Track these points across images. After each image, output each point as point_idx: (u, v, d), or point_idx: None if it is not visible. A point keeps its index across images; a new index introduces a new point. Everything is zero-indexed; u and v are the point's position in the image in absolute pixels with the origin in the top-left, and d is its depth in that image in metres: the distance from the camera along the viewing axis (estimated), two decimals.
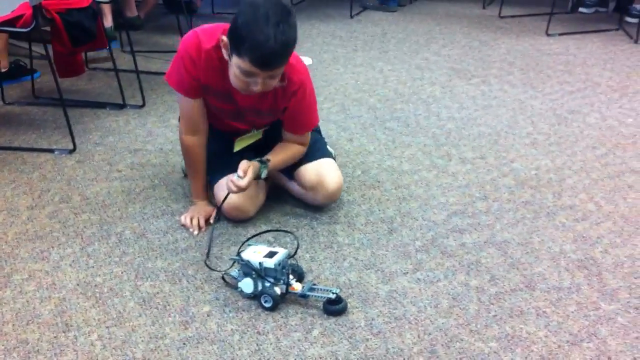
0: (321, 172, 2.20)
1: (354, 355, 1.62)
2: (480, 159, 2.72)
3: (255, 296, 1.79)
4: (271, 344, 1.66)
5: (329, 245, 2.09)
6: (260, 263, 1.78)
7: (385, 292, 1.86)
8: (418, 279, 1.93)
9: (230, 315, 1.76)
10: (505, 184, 2.52)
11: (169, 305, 1.79)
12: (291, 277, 1.81)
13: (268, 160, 2.08)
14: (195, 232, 2.10)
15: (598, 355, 1.65)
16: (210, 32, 1.99)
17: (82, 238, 2.12)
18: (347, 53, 4.15)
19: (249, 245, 1.89)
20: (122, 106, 3.21)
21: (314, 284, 1.81)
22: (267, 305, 1.77)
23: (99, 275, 1.93)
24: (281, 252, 1.81)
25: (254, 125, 2.19)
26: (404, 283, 1.90)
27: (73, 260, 2.00)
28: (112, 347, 1.65)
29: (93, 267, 1.97)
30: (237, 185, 1.98)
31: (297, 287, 1.79)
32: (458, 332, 1.71)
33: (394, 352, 1.64)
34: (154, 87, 3.48)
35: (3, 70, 3.42)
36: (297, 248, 2.01)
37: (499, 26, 4.83)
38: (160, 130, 2.94)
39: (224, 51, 1.92)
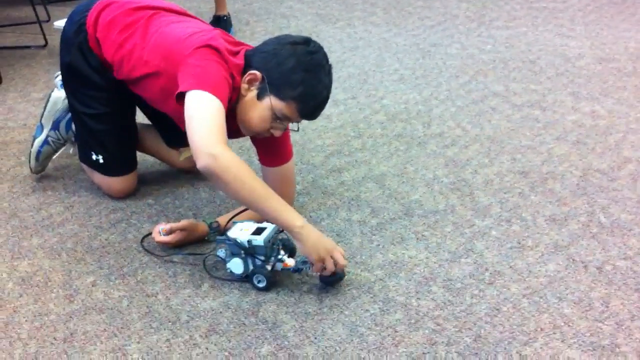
0: None
1: (246, 302, 1.64)
2: (352, 99, 2.77)
3: (246, 277, 1.69)
4: (161, 304, 1.64)
5: (211, 200, 2.08)
6: (249, 241, 1.65)
7: None
8: None
9: (117, 282, 1.72)
10: (378, 120, 2.58)
11: (50, 281, 1.74)
12: (282, 252, 1.71)
13: (219, 227, 1.83)
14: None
15: (476, 268, 1.75)
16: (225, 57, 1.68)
17: None
18: (211, 9, 4.07)
19: (235, 222, 1.75)
20: None
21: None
22: (260, 285, 1.67)
23: None
24: (270, 228, 1.68)
25: None
26: None
27: None
28: None
29: None
30: (157, 240, 1.80)
31: (289, 262, 1.69)
32: None
33: (285, 294, 1.67)
34: (10, 63, 3.29)
35: None
36: None
37: None
38: (21, 106, 2.79)
39: (244, 85, 1.69)
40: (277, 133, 1.74)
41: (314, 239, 1.59)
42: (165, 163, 2.25)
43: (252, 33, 3.59)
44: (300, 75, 1.65)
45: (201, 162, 1.53)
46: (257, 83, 1.69)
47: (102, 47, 1.89)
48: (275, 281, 1.69)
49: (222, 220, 1.85)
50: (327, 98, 1.72)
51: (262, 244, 1.66)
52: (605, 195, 2.06)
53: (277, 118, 1.70)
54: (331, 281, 1.66)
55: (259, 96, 1.69)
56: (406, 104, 2.71)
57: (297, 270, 1.69)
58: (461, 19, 3.71)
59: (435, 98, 2.74)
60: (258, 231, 1.68)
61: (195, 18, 1.95)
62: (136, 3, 1.91)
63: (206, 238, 1.85)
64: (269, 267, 1.68)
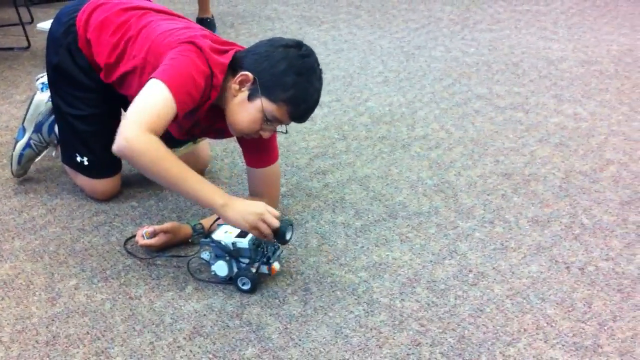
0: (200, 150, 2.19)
1: (230, 304, 1.64)
2: (336, 101, 2.78)
3: (231, 279, 1.69)
4: (145, 307, 1.64)
5: (195, 203, 2.06)
6: (233, 243, 1.65)
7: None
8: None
9: (99, 285, 1.71)
10: (362, 122, 2.59)
11: (32, 284, 1.72)
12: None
13: (203, 229, 1.84)
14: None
15: (460, 269, 1.75)
16: (215, 61, 1.69)
17: None
18: (195, 11, 4.06)
19: (219, 225, 1.74)
20: None
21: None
22: (245, 287, 1.66)
23: None
24: None
25: (194, 137, 2.03)
26: None
27: None
28: None
29: None
30: (141, 244, 1.80)
31: (276, 267, 1.68)
32: (329, 267, 1.76)
33: (269, 296, 1.66)
34: None
35: None
36: None
37: None
38: (3, 108, 2.77)
39: (234, 86, 1.69)
40: (265, 135, 1.74)
41: (239, 210, 1.58)
42: None
43: (237, 35, 3.59)
44: (292, 78, 1.65)
45: (115, 145, 1.56)
46: (249, 84, 1.69)
47: (94, 48, 1.88)
48: (260, 283, 1.69)
49: (207, 222, 1.85)
50: (317, 101, 1.72)
51: (246, 246, 1.65)
52: (587, 196, 2.07)
53: (267, 120, 1.70)
54: (282, 238, 1.62)
55: (250, 97, 1.69)
56: (390, 106, 2.71)
57: (267, 260, 1.67)
58: (445, 21, 3.73)
59: (419, 100, 2.76)
60: (243, 233, 1.68)
61: (184, 18, 1.95)
62: (127, 4, 1.91)
63: (190, 240, 1.84)
64: (253, 270, 1.67)
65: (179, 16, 1.95)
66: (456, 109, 2.67)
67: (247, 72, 1.68)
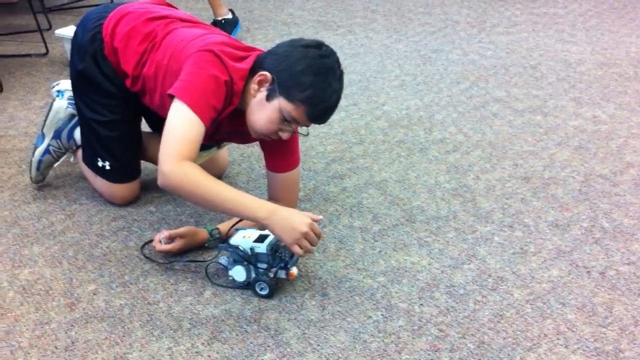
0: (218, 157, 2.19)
1: (248, 309, 1.63)
2: (353, 105, 2.77)
3: (249, 284, 1.69)
4: (163, 312, 1.64)
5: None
6: (251, 248, 1.66)
7: None
8: None
9: (118, 290, 1.72)
10: (379, 126, 2.58)
11: (51, 289, 1.73)
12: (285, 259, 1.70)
13: (220, 234, 1.86)
14: None
15: (479, 274, 1.74)
16: (232, 66, 1.70)
17: None
18: (210, 16, 4.08)
19: (237, 230, 1.75)
20: None
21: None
22: (263, 292, 1.67)
23: None
24: (272, 235, 1.66)
25: (218, 142, 2.03)
26: None
27: None
28: None
29: None
30: (158, 249, 1.82)
31: (294, 272, 1.68)
32: (346, 272, 1.76)
33: (287, 301, 1.66)
34: (11, 71, 3.29)
35: None
36: None
37: None
38: (22, 114, 2.79)
39: (253, 86, 1.69)
40: (284, 136, 1.73)
41: (281, 225, 1.59)
42: None
43: (253, 40, 3.60)
44: (309, 78, 1.64)
45: (158, 181, 1.63)
46: (267, 84, 1.68)
47: (121, 56, 1.89)
48: (278, 288, 1.68)
49: (224, 227, 1.85)
50: (336, 103, 1.70)
51: (264, 251, 1.65)
52: (607, 200, 2.05)
53: (285, 120, 1.69)
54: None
55: (268, 97, 1.68)
56: (407, 110, 2.71)
57: (285, 266, 1.67)
58: (462, 25, 3.71)
59: (437, 104, 2.74)
60: (260, 238, 1.68)
61: (207, 26, 1.96)
62: (153, 13, 1.92)
63: (206, 244, 1.85)
64: (271, 275, 1.67)
65: (201, 23, 1.96)
66: (474, 113, 2.66)
67: (265, 72, 1.68)
